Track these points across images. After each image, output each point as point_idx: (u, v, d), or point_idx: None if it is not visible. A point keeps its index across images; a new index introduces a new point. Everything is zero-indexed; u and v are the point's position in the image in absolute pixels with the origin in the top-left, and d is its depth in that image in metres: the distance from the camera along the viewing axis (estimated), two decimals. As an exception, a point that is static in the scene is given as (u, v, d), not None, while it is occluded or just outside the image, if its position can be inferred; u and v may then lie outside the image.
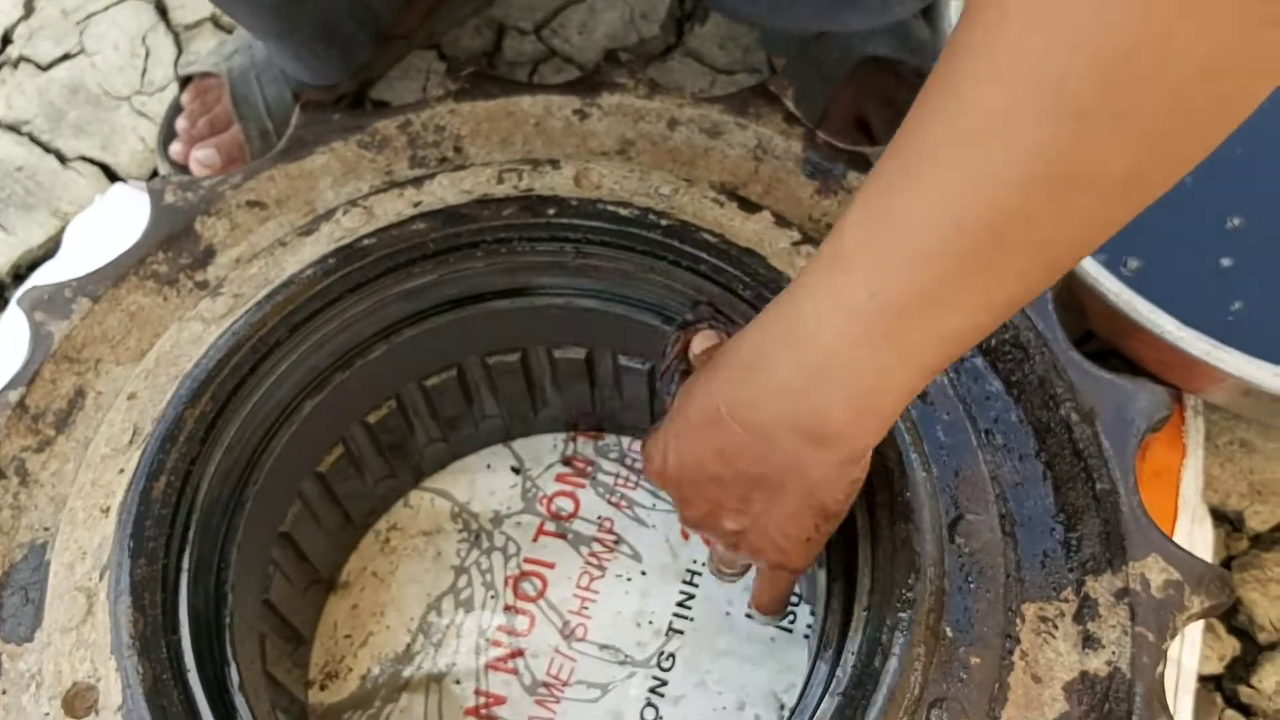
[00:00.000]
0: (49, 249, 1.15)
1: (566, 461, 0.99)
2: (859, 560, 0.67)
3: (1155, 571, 0.67)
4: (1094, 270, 0.82)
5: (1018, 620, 0.67)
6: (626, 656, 0.90)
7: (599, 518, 0.96)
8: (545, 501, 0.97)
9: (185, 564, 0.68)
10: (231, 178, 0.84)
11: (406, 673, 0.90)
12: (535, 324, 0.83)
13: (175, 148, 1.13)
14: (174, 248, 0.82)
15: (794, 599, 0.89)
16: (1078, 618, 0.67)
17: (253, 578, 0.76)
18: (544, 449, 1.00)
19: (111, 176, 1.20)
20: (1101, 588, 0.68)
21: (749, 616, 0.89)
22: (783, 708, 0.87)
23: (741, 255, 0.75)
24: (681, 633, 0.90)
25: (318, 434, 0.81)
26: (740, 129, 0.84)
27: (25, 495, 0.74)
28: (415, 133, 0.86)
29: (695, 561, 0.93)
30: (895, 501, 0.66)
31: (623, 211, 0.77)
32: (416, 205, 0.80)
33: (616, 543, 0.95)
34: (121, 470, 0.71)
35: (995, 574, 0.66)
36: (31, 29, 1.30)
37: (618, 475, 0.98)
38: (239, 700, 0.68)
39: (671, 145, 0.84)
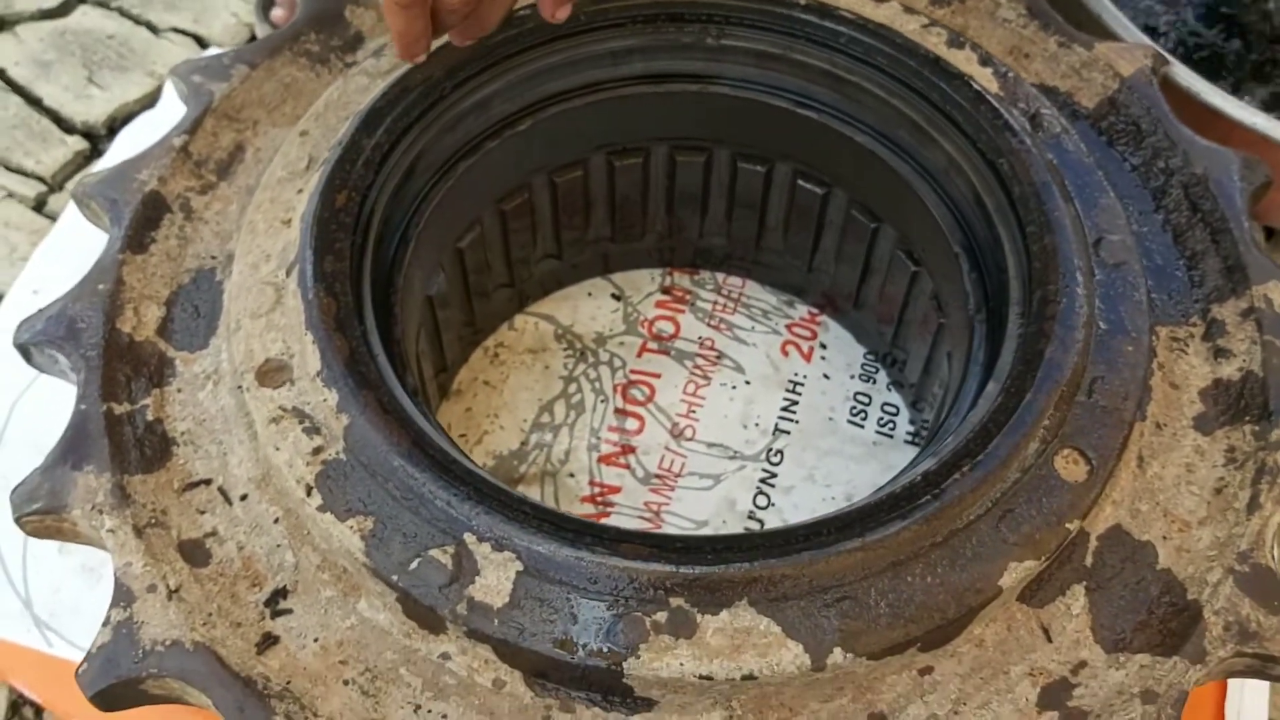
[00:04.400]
0: (145, 104, 1.17)
1: (665, 290, 1.03)
2: (1008, 270, 0.72)
3: (1277, 292, 0.73)
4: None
5: (1152, 338, 0.72)
6: (736, 452, 0.93)
7: (700, 338, 1.00)
8: (646, 324, 1.01)
9: (366, 267, 0.71)
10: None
11: (522, 468, 0.92)
12: (665, 112, 0.88)
13: (277, 13, 1.17)
14: (325, 30, 0.86)
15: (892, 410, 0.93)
16: (1206, 336, 0.72)
17: (412, 318, 0.79)
18: (642, 280, 1.04)
19: (203, 45, 1.23)
20: (1227, 311, 0.73)
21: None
22: (888, 500, 0.91)
23: (878, 28, 0.80)
24: (787, 433, 0.94)
25: (464, 201, 0.84)
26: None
27: (190, 228, 0.77)
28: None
29: (796, 374, 0.97)
30: (1042, 219, 0.71)
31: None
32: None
33: (719, 357, 0.98)
34: (300, 190, 0.74)
35: (1137, 281, 0.71)
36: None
37: (715, 302, 1.02)
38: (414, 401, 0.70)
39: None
